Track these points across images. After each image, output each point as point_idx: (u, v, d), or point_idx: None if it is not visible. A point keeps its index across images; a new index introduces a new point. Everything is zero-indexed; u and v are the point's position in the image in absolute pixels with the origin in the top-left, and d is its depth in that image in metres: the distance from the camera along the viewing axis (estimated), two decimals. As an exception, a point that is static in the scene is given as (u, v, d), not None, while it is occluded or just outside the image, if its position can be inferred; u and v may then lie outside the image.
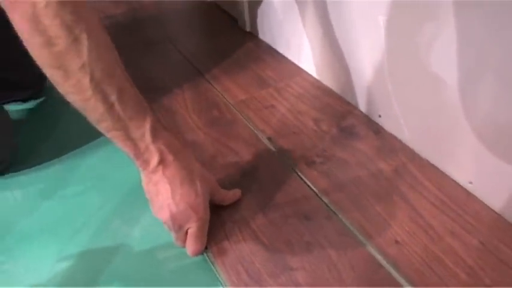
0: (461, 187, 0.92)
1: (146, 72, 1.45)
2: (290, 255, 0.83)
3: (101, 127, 0.77)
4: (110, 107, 0.75)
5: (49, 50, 0.69)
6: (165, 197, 0.83)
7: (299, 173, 0.99)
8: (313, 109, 1.17)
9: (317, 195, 0.94)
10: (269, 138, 1.09)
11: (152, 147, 0.80)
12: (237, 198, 0.95)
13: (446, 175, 0.95)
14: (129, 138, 0.79)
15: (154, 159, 0.81)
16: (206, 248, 0.87)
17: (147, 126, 0.78)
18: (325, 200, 0.93)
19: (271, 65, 1.37)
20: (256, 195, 0.96)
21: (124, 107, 0.76)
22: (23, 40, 0.69)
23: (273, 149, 1.07)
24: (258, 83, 1.30)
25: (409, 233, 0.84)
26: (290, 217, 0.90)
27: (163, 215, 0.84)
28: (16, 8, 0.67)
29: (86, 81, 0.72)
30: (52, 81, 0.73)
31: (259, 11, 1.47)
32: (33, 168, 1.15)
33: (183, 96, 1.30)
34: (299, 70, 1.33)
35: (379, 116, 1.09)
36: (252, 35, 1.55)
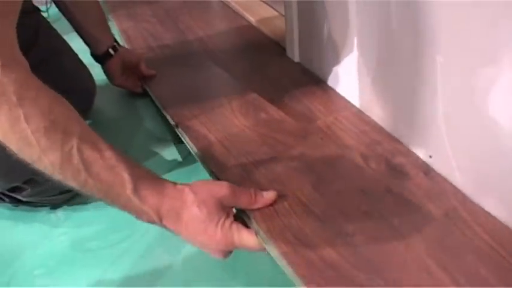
0: (515, 235, 0.92)
1: (194, 95, 1.49)
2: (346, 223, 0.86)
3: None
4: (83, 184, 0.79)
5: (9, 147, 0.78)
6: (191, 241, 0.86)
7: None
8: (361, 145, 1.18)
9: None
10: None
11: (145, 208, 0.83)
12: (270, 202, 0.94)
13: (499, 221, 0.95)
14: (120, 204, 0.83)
15: (155, 218, 0.84)
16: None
17: (128, 190, 0.80)
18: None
19: (319, 98, 1.39)
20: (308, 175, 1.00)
21: (97, 179, 0.79)
22: None
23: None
24: (306, 115, 1.32)
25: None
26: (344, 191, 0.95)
27: (214, 254, 0.86)
28: None
29: (50, 169, 0.78)
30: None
31: (310, 43, 1.49)
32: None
33: (230, 106, 1.35)
34: (348, 104, 1.35)
35: (430, 157, 1.10)
36: (301, 66, 1.57)
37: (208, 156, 1.11)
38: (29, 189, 1.09)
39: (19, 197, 1.11)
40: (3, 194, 1.12)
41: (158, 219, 0.84)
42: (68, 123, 0.78)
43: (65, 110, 0.81)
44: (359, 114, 1.31)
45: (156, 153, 1.41)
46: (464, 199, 1.02)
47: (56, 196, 1.14)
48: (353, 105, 1.34)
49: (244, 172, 1.05)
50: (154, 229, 1.06)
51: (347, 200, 0.95)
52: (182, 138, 1.23)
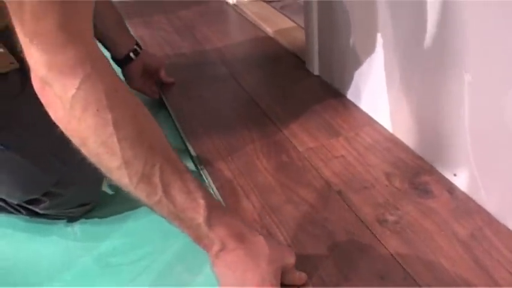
0: (542, 258, 0.92)
1: (212, 106, 1.52)
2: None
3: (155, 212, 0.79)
4: (156, 202, 0.76)
5: (85, 149, 0.73)
6: (228, 283, 0.83)
7: (372, 231, 1.00)
8: (384, 162, 1.19)
9: (391, 255, 0.95)
10: (339, 192, 1.10)
11: (211, 235, 0.80)
12: (302, 283, 0.92)
13: (526, 244, 0.95)
14: (185, 226, 0.80)
15: (215, 247, 0.81)
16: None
17: (201, 218, 0.78)
18: (400, 260, 0.93)
19: (340, 112, 1.40)
20: (331, 251, 0.99)
21: (172, 201, 0.76)
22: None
23: (345, 204, 1.07)
24: (327, 131, 1.32)
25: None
26: (365, 275, 0.93)
27: None
28: (48, 105, 0.73)
29: (126, 181, 0.74)
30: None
31: (330, 55, 1.50)
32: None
33: (250, 136, 1.35)
34: (370, 119, 1.35)
35: (454, 175, 1.10)
36: (320, 79, 1.58)
37: (233, 208, 1.11)
38: (47, 202, 1.09)
39: (36, 209, 1.12)
40: (20, 206, 1.13)
41: (219, 250, 0.80)
42: (154, 137, 0.77)
43: (150, 121, 0.78)
44: (381, 131, 1.31)
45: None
46: (489, 219, 1.02)
47: (74, 209, 1.14)
48: (375, 121, 1.35)
49: (268, 233, 1.04)
50: (174, 247, 1.07)
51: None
52: (205, 178, 1.23)
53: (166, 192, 0.75)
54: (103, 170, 0.74)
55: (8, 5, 0.64)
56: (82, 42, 0.69)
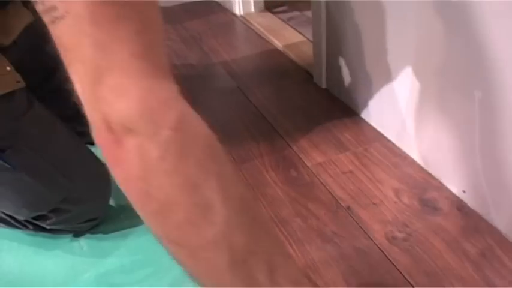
0: (554, 278, 0.92)
1: (219, 118, 1.52)
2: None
3: None
4: None
5: (166, 219, 0.54)
6: None
7: (381, 248, 1.00)
8: (393, 178, 1.18)
9: (401, 273, 0.94)
10: (348, 208, 1.10)
11: None
12: None
13: (537, 263, 0.94)
14: None
15: None
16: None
17: None
18: (409, 279, 0.93)
19: (348, 127, 1.40)
20: (339, 265, 0.99)
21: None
22: (132, 204, 0.55)
23: (354, 220, 1.07)
24: (335, 146, 1.32)
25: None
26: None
27: None
28: (120, 162, 0.53)
29: (221, 261, 0.54)
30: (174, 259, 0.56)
31: (338, 69, 1.50)
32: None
33: (258, 150, 1.35)
34: (378, 135, 1.35)
35: (463, 192, 1.10)
36: (328, 93, 1.58)
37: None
38: (54, 218, 1.09)
39: (43, 225, 1.11)
40: (27, 221, 1.12)
41: None
42: (255, 202, 0.62)
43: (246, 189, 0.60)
44: (390, 146, 1.31)
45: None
46: (500, 237, 1.01)
47: (81, 224, 1.14)
48: (384, 136, 1.34)
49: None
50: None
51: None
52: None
53: (269, 276, 0.56)
54: (187, 244, 0.54)
55: (57, 44, 0.52)
56: (166, 71, 0.55)
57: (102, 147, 0.53)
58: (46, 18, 0.51)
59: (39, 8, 0.51)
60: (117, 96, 0.51)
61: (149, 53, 0.52)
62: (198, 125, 0.55)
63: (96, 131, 0.53)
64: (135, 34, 0.51)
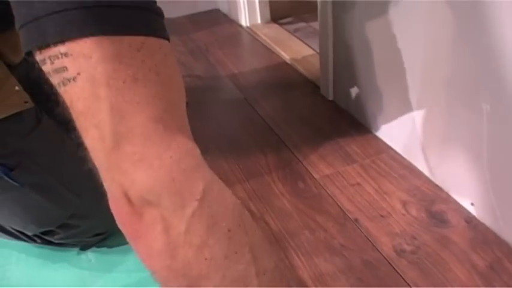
0: None
1: (226, 130, 1.53)
2: None
3: None
4: None
5: None
6: None
7: (389, 261, 1.00)
8: (400, 190, 1.18)
9: (409, 285, 0.95)
10: (355, 220, 1.10)
11: None
12: None
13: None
14: None
15: None
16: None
17: None
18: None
19: (356, 139, 1.40)
20: (348, 278, 0.99)
21: None
22: (157, 280, 0.52)
23: (362, 232, 1.07)
24: (342, 158, 1.32)
25: None
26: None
27: None
28: (141, 237, 0.50)
29: None
30: None
31: (344, 81, 1.50)
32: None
33: (266, 161, 1.36)
34: (385, 146, 1.35)
35: (472, 204, 1.10)
36: (335, 105, 1.58)
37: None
38: (62, 234, 1.09)
39: (51, 239, 1.12)
40: (36, 235, 1.13)
41: None
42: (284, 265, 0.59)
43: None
44: (397, 158, 1.31)
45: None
46: (508, 250, 1.01)
47: (89, 238, 1.14)
48: (391, 148, 1.35)
49: (290, 264, 1.04)
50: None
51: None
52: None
53: None
54: None
55: (69, 108, 0.49)
56: (186, 131, 0.52)
57: (120, 220, 0.51)
58: (55, 80, 0.48)
59: (46, 67, 0.48)
60: (137, 166, 0.48)
61: (169, 115, 0.49)
62: (223, 194, 0.52)
63: (114, 201, 0.51)
64: (154, 97, 0.48)
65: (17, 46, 1.01)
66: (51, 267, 1.16)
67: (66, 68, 0.46)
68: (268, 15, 2.32)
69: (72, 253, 1.18)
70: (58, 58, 0.46)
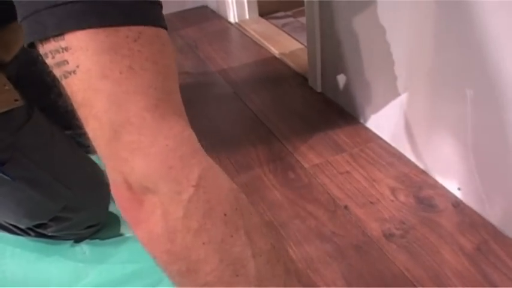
0: (548, 270, 0.94)
1: (217, 125, 1.54)
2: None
3: None
4: None
5: (194, 279, 0.52)
6: None
7: (379, 245, 1.02)
8: (389, 177, 1.20)
9: (399, 269, 0.97)
10: (345, 207, 1.12)
11: None
12: None
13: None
14: None
15: None
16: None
17: None
18: (408, 275, 0.95)
19: (344, 129, 1.42)
20: (339, 263, 1.01)
21: None
22: (157, 263, 0.53)
23: (352, 219, 1.09)
24: (331, 147, 1.34)
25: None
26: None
27: None
28: (141, 222, 0.51)
29: None
30: None
31: (332, 73, 1.52)
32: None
33: (256, 154, 1.37)
34: (373, 135, 1.37)
35: (458, 189, 1.12)
36: (324, 96, 1.60)
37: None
38: (55, 226, 1.11)
39: (45, 232, 1.13)
40: (29, 229, 1.14)
41: None
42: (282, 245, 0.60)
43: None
44: (385, 146, 1.33)
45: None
46: (495, 232, 1.03)
47: (81, 231, 1.15)
48: (379, 137, 1.37)
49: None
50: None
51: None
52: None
53: None
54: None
55: (72, 100, 0.51)
56: (182, 117, 0.54)
57: (121, 206, 0.52)
58: (57, 72, 0.49)
59: (49, 61, 0.49)
60: (135, 155, 0.49)
61: (165, 104, 0.51)
62: (220, 179, 0.53)
63: (115, 189, 0.52)
64: (150, 86, 0.49)
65: (7, 44, 1.02)
66: (46, 260, 1.17)
67: (67, 61, 0.48)
68: (256, 11, 2.33)
69: (67, 246, 1.19)
70: (59, 52, 0.48)
